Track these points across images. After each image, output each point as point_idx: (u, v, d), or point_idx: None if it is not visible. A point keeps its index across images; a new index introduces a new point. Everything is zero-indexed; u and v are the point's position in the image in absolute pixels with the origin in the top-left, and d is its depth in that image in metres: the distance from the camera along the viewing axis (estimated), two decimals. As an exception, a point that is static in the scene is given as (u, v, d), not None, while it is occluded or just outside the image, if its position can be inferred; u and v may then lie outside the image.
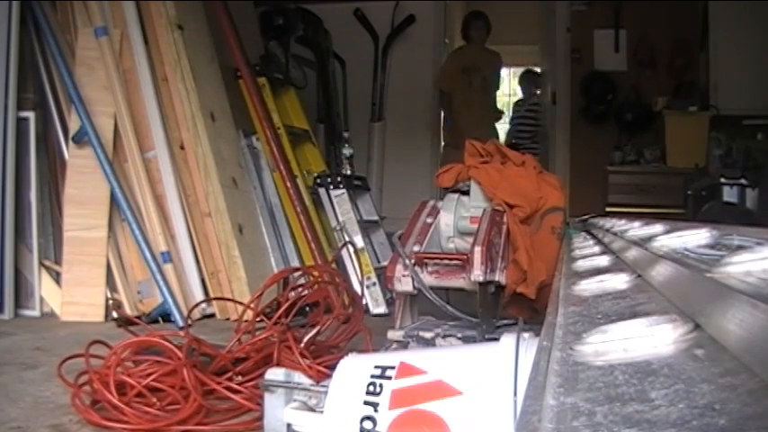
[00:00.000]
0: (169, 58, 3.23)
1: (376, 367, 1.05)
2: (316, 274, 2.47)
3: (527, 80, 7.14)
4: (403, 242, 1.76)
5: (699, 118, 5.34)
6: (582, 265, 0.97)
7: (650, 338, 0.42)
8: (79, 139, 3.04)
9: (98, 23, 3.16)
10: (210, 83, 3.43)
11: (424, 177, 5.73)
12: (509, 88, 9.53)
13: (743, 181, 4.36)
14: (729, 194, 4.39)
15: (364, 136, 5.81)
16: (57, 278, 3.06)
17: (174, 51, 3.23)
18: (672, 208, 5.11)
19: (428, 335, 1.68)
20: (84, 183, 3.04)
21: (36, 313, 3.01)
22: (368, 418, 1.01)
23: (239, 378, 1.70)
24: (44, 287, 3.05)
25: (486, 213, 1.78)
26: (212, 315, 3.07)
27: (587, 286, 0.71)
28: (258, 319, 1.98)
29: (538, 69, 7.15)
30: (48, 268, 3.08)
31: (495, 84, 5.86)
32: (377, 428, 0.99)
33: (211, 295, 3.10)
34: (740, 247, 0.52)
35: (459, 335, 1.67)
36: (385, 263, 2.56)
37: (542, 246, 1.80)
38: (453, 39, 6.76)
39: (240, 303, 2.50)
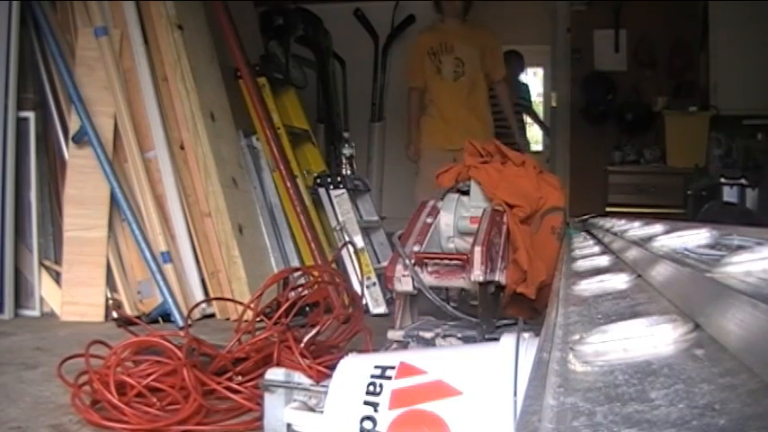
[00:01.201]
0: (169, 58, 3.23)
1: (376, 367, 1.05)
2: (316, 274, 2.47)
3: (510, 63, 5.24)
4: (403, 242, 1.76)
5: (699, 118, 5.34)
6: (582, 265, 0.97)
7: (650, 338, 0.42)
8: (79, 139, 3.05)
9: (98, 23, 3.16)
10: (210, 83, 3.43)
11: (423, 177, 5.72)
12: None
13: (743, 181, 4.37)
14: (729, 194, 4.39)
15: (364, 136, 5.80)
16: (57, 278, 3.06)
17: (174, 51, 3.23)
18: (672, 208, 5.10)
19: (428, 335, 1.68)
20: (84, 183, 3.04)
21: (36, 313, 3.02)
22: (368, 418, 1.00)
23: (239, 378, 1.70)
24: (44, 287, 3.05)
25: (486, 213, 1.78)
26: (212, 315, 3.07)
27: (587, 286, 0.71)
28: (258, 319, 1.98)
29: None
30: (48, 268, 3.08)
31: (479, 75, 3.91)
32: (377, 428, 0.99)
33: (211, 295, 3.10)
34: (740, 247, 0.52)
35: (459, 335, 1.67)
36: (385, 263, 2.56)
37: (542, 246, 1.80)
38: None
39: (240, 303, 2.50)
